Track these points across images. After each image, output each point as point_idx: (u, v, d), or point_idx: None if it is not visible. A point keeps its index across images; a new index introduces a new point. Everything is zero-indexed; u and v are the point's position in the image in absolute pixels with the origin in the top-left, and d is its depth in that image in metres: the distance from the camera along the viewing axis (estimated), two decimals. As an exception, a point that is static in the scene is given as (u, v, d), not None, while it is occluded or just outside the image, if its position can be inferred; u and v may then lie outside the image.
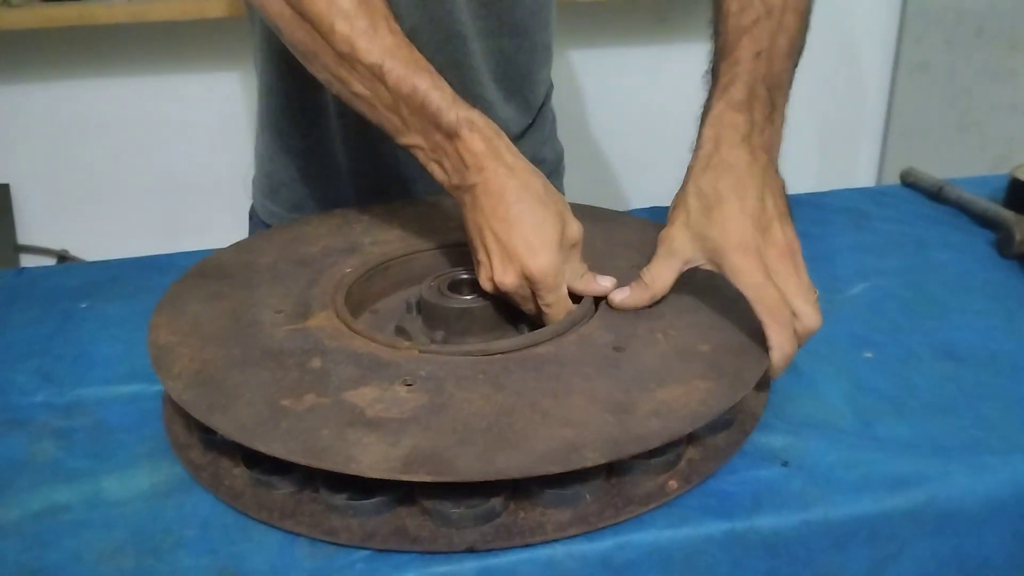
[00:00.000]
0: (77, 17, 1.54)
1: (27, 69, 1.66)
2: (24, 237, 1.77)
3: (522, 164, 0.60)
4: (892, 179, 1.06)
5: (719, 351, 0.56)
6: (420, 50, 0.61)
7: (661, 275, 0.59)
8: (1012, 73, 1.82)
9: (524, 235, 0.58)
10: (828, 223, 0.91)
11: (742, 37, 0.62)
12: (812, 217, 0.93)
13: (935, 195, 0.97)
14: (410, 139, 0.61)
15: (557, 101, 1.00)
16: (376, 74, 0.59)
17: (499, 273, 0.59)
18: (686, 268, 0.59)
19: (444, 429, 0.48)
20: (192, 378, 0.53)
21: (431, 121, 0.59)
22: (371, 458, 0.46)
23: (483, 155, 0.59)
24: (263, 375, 0.53)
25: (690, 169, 0.60)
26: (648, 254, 0.62)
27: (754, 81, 0.61)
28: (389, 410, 0.49)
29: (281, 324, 0.59)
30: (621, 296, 0.60)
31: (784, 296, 0.55)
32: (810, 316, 0.55)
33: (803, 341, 0.56)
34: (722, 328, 0.58)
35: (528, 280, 0.59)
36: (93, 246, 1.77)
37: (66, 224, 1.77)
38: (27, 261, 1.77)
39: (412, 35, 0.62)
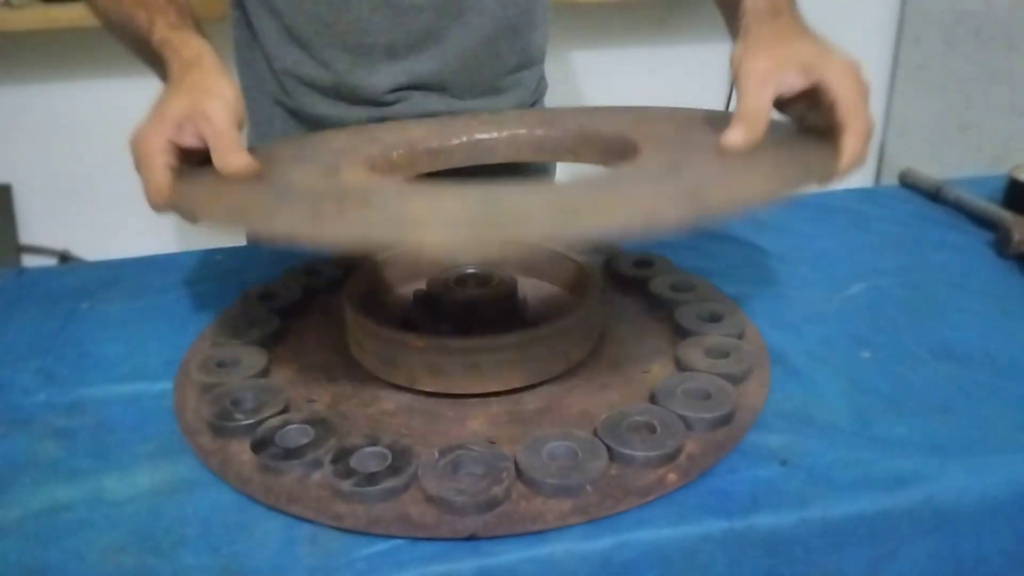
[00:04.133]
0: (77, 17, 1.54)
1: (28, 69, 1.66)
2: (25, 237, 1.77)
3: (191, 64, 0.63)
4: (891, 179, 1.06)
5: (777, 159, 0.56)
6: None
7: (761, 103, 0.58)
8: (1010, 74, 1.82)
9: (148, 113, 0.61)
10: (827, 223, 0.92)
11: None
12: (811, 217, 0.93)
13: (933, 195, 0.98)
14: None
15: (556, 102, 1.01)
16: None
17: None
18: (776, 94, 0.59)
19: (507, 221, 0.45)
20: (225, 214, 0.52)
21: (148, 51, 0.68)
22: (434, 225, 0.44)
23: (168, 62, 0.64)
24: (300, 207, 0.50)
25: (754, 22, 0.62)
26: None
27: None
28: (439, 215, 0.47)
29: (314, 177, 0.58)
30: (735, 137, 0.58)
31: None
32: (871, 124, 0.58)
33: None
34: (769, 150, 0.57)
35: (131, 152, 0.60)
36: (94, 246, 1.77)
37: (67, 224, 1.77)
38: (28, 261, 1.77)
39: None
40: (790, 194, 0.50)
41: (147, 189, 0.59)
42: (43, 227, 1.78)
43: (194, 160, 0.60)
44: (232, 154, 0.58)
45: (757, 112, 0.58)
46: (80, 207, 1.76)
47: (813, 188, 0.53)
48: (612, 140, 0.66)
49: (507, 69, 0.91)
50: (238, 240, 1.04)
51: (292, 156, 0.66)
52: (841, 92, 0.56)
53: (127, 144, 0.59)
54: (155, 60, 0.68)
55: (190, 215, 0.56)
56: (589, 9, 1.79)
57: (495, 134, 0.70)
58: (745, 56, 0.60)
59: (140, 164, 0.59)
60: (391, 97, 0.86)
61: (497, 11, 0.86)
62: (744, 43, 0.61)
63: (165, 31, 0.66)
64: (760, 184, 0.51)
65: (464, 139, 0.70)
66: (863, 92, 0.57)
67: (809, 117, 0.60)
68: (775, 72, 0.58)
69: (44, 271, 0.89)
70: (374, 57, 0.84)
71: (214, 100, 0.60)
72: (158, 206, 0.59)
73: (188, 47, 0.65)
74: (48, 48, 1.65)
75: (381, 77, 0.85)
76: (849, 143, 0.56)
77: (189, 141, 0.59)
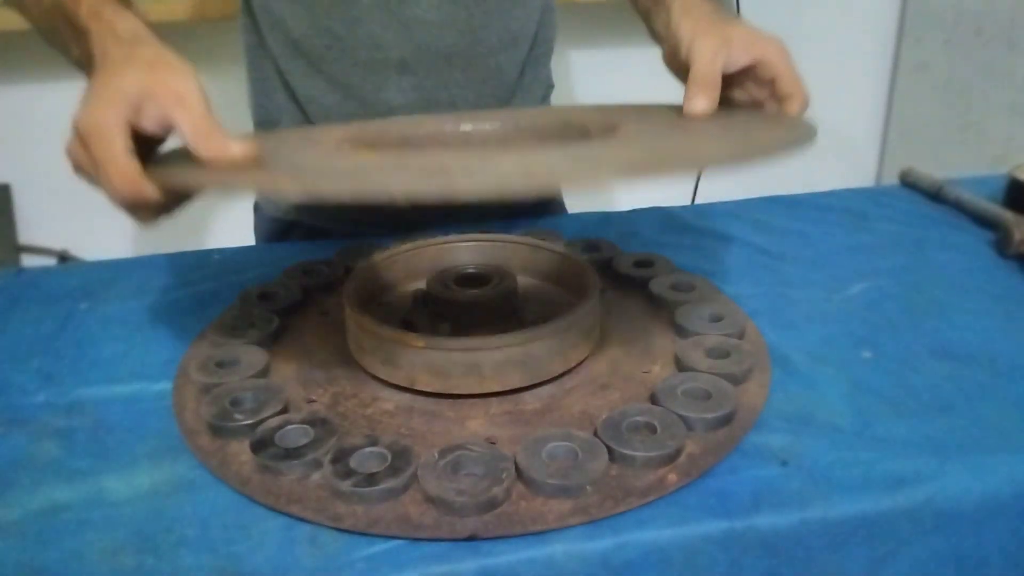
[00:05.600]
0: (77, 17, 1.54)
1: (27, 69, 1.66)
2: (25, 237, 1.77)
3: (134, 39, 0.56)
4: (891, 179, 1.06)
5: (753, 125, 0.61)
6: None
7: (715, 73, 0.64)
8: (1011, 73, 1.82)
9: (88, 92, 0.52)
10: (827, 223, 0.92)
11: None
12: (812, 217, 0.93)
13: (934, 195, 0.98)
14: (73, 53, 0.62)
15: (556, 101, 1.00)
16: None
17: (68, 143, 0.53)
18: (723, 68, 0.65)
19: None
20: (256, 185, 0.55)
21: (73, 28, 0.58)
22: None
23: (97, 34, 0.56)
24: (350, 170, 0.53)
25: (690, 4, 0.69)
26: None
27: None
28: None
29: (325, 156, 0.60)
30: (700, 103, 0.64)
31: None
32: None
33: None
34: (736, 127, 0.62)
35: (79, 137, 0.52)
36: (93, 246, 1.76)
37: (66, 224, 1.77)
38: (28, 261, 1.77)
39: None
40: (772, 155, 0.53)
41: (108, 175, 0.51)
42: (42, 227, 1.77)
43: (139, 148, 0.53)
44: (224, 140, 0.51)
45: (713, 81, 0.64)
46: (79, 207, 1.75)
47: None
48: (592, 124, 0.69)
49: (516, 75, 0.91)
50: (235, 240, 1.04)
51: (284, 145, 0.66)
52: (781, 68, 0.64)
53: (73, 128, 0.52)
54: (78, 35, 0.60)
55: (171, 201, 0.51)
56: (589, 8, 1.78)
57: (486, 125, 0.73)
58: (697, 33, 0.65)
59: (96, 147, 0.51)
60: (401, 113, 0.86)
61: (510, 23, 0.86)
62: (690, 20, 0.67)
63: (96, 2, 0.59)
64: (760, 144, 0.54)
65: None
66: (796, 67, 0.65)
67: (736, 93, 0.67)
68: (724, 48, 0.64)
69: (43, 271, 0.89)
70: (386, 73, 0.84)
71: (185, 79, 0.52)
72: (124, 195, 0.51)
73: (124, 20, 0.57)
74: (48, 48, 1.64)
75: (392, 92, 0.84)
76: (795, 109, 0.64)
77: (148, 126, 0.52)
